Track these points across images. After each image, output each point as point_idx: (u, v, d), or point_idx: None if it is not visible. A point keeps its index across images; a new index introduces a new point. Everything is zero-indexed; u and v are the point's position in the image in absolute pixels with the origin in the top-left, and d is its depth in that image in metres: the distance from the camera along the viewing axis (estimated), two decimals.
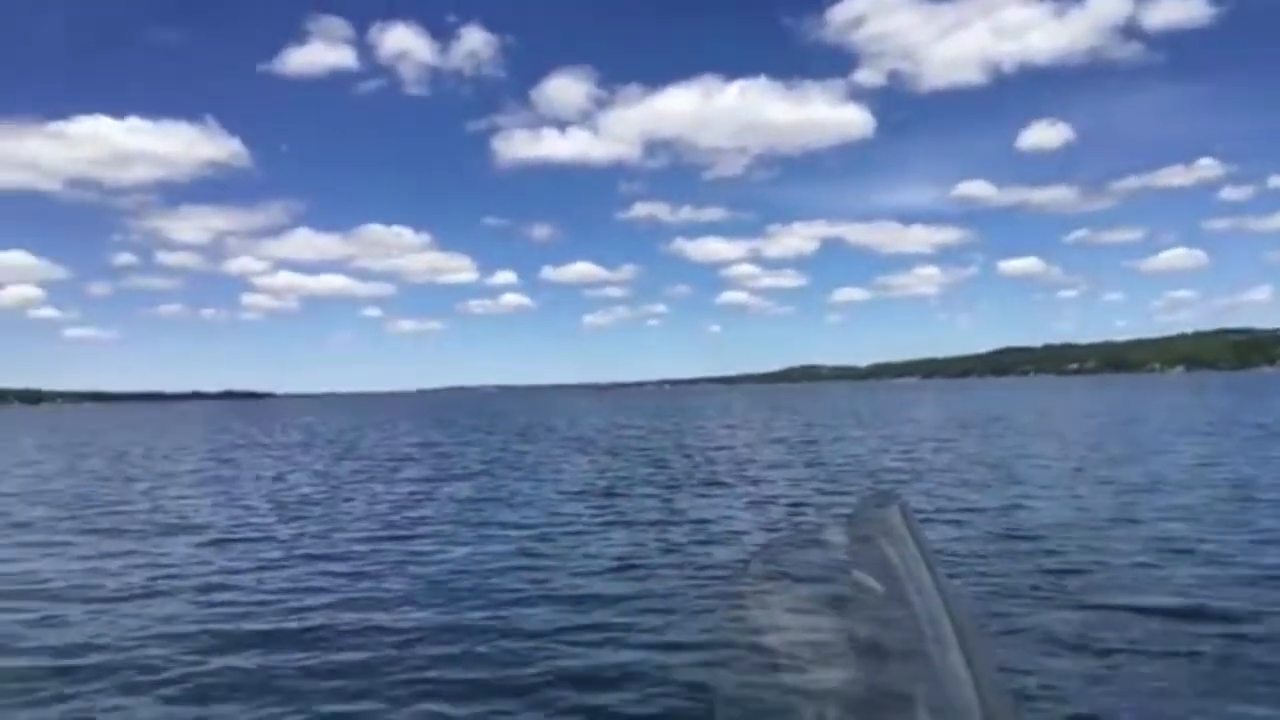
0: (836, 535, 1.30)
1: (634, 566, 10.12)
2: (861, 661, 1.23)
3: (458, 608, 8.48)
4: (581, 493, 17.32)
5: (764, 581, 1.27)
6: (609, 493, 17.17)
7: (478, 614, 8.19)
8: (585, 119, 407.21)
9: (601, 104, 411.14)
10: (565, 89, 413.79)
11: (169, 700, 6.17)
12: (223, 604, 8.96)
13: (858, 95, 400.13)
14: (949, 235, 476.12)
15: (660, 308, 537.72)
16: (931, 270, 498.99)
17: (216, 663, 6.93)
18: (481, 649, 7.08)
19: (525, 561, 10.63)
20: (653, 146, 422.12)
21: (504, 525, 13.57)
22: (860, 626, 1.25)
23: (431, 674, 6.52)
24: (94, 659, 7.11)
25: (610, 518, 14.00)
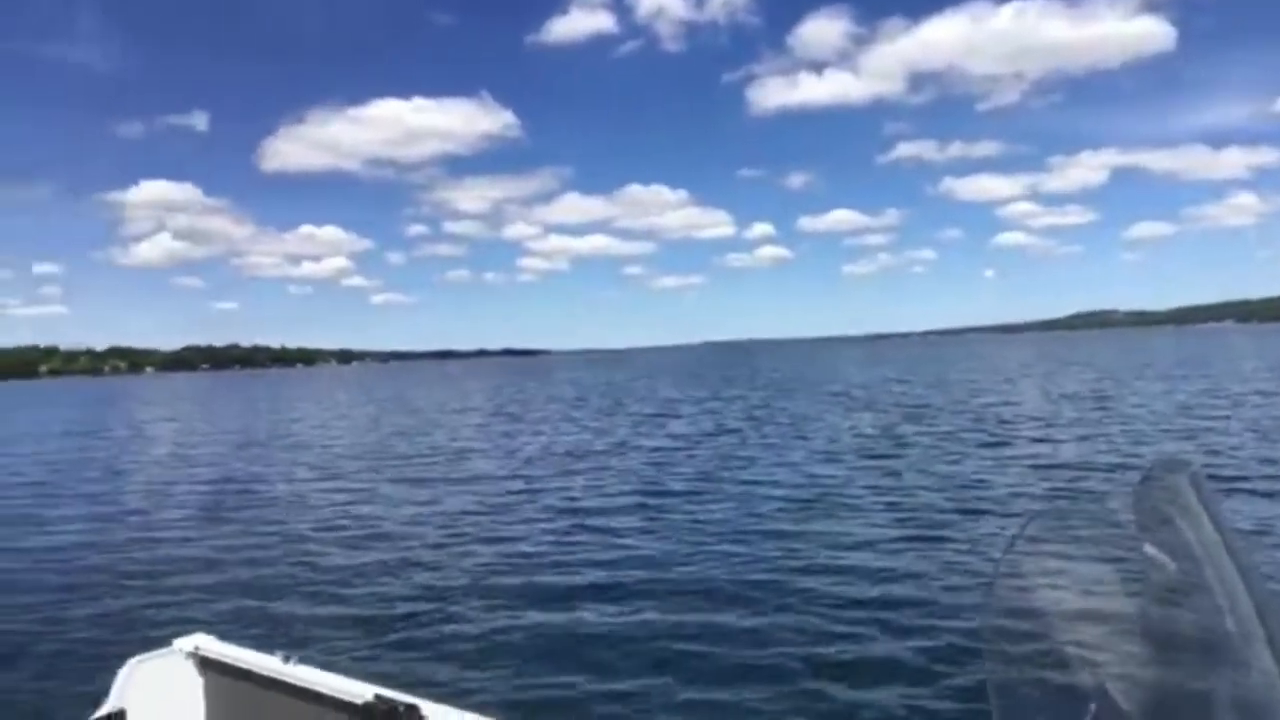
0: (1122, 504, 1.20)
1: (906, 537, 9.65)
2: (1153, 649, 1.14)
3: (718, 574, 8.41)
4: (847, 452, 16.95)
5: (1043, 553, 1.21)
6: (876, 453, 16.67)
7: (738, 583, 8.06)
8: (843, 59, 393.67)
9: (861, 41, 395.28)
10: (822, 30, 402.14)
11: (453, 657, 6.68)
12: (505, 557, 9.60)
13: (1154, 5, 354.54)
14: (1268, 157, 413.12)
15: (927, 253, 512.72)
16: (1247, 198, 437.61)
17: (478, 615, 7.43)
18: (746, 622, 6.96)
19: (790, 527, 10.45)
20: (918, 81, 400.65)
21: (767, 485, 13.51)
22: (1151, 608, 1.15)
23: (688, 648, 6.45)
24: (403, 609, 7.80)
25: (878, 480, 13.55)
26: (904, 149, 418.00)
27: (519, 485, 14.89)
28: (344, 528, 11.88)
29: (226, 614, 7.60)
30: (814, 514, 11.15)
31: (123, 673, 2.74)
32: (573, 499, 13.16)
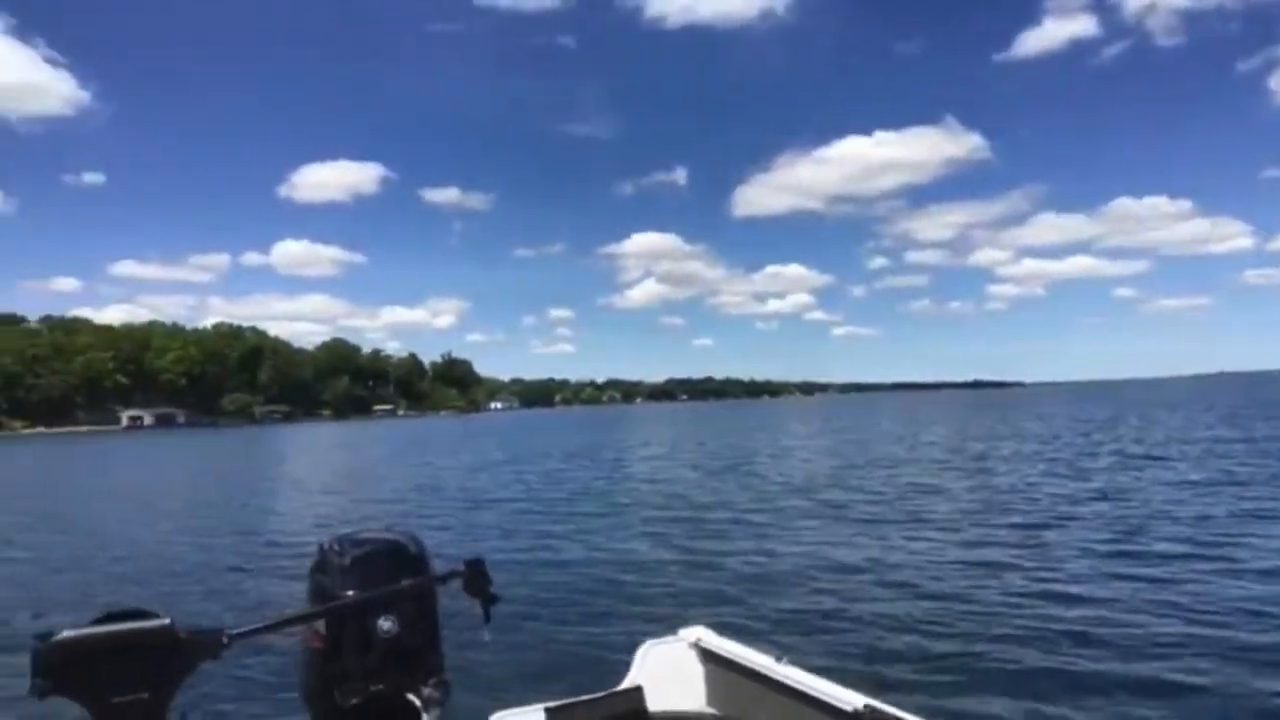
0: None
1: None
2: None
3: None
4: None
5: None
6: None
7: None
8: None
9: None
10: None
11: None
12: (1007, 594, 9.26)
13: None
14: None
15: None
16: None
17: (979, 645, 7.25)
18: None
19: None
20: None
21: None
22: None
23: None
24: (897, 627, 8.03)
25: None
26: None
27: (1018, 519, 14.14)
28: (824, 548, 12.37)
29: (724, 612, 8.47)
30: None
31: (639, 653, 3.05)
32: (1101, 539, 12.21)
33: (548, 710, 2.35)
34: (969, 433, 40.46)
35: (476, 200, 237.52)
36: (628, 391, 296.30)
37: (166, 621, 1.48)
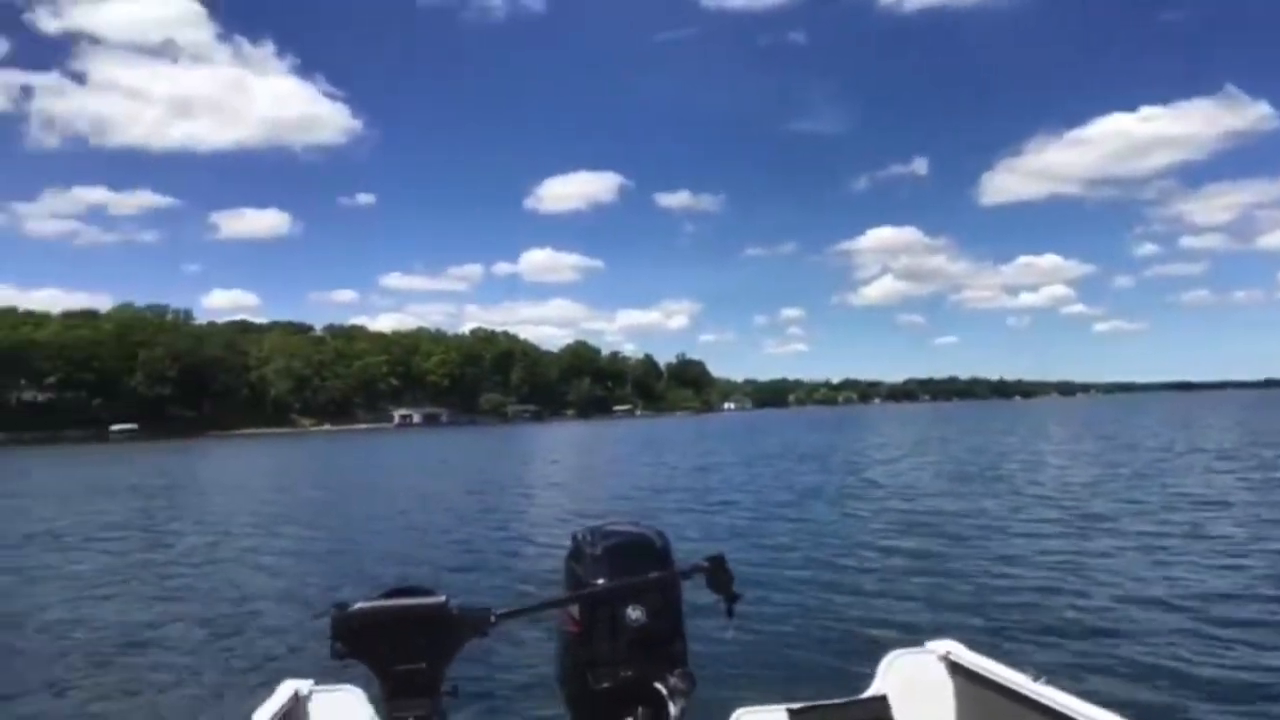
0: None
1: None
2: None
3: None
4: None
5: None
6: None
7: None
8: None
9: None
10: None
11: None
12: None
13: None
14: None
15: None
16: None
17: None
18: None
19: None
20: None
21: None
22: None
23: None
24: (1161, 645, 7.36)
25: None
26: None
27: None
28: (1084, 562, 11.51)
29: (973, 625, 8.13)
30: None
31: (884, 663, 2.97)
32: None
33: (790, 712, 2.34)
34: (1261, 438, 35.76)
35: (707, 202, 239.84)
36: (864, 392, 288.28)
37: (442, 599, 1.63)
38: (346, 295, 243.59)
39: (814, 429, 70.53)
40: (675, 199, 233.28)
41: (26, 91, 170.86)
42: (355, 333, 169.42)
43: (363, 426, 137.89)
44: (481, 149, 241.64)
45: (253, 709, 2.21)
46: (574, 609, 1.82)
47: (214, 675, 8.03)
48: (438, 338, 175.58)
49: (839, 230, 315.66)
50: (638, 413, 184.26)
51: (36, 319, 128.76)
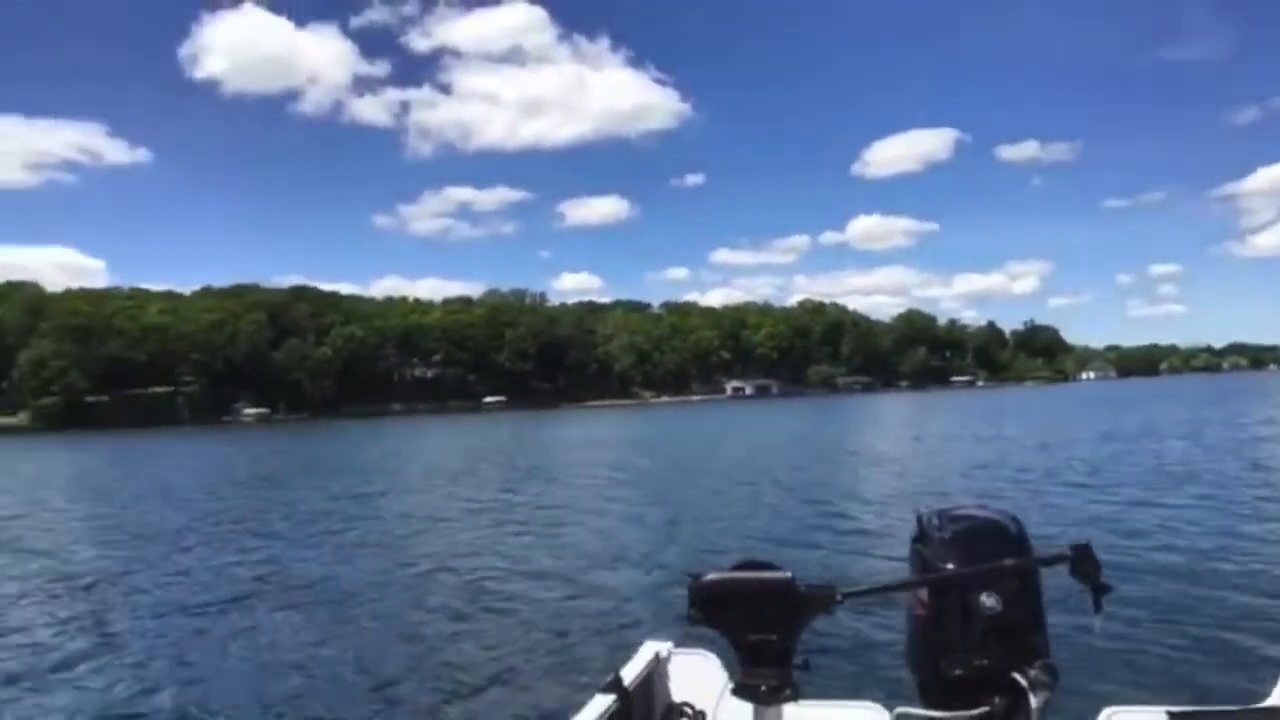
0: None
1: None
2: None
3: None
4: None
5: None
6: None
7: None
8: None
9: None
10: None
11: None
12: None
13: None
14: None
15: None
16: None
17: None
18: None
19: None
20: None
21: None
22: None
23: None
24: None
25: None
26: None
27: None
28: None
29: None
30: None
31: None
32: None
33: (1171, 715, 2.11)
34: None
35: (1058, 151, 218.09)
36: (1256, 357, 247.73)
37: (788, 575, 1.68)
38: (679, 273, 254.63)
39: (1195, 401, 62.01)
40: (1019, 150, 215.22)
41: (405, 106, 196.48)
42: (688, 309, 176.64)
43: (697, 398, 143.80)
44: (805, 119, 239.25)
45: (618, 665, 2.41)
46: (922, 593, 1.79)
47: (578, 632, 8.79)
48: (765, 310, 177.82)
49: (1220, 171, 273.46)
50: (979, 383, 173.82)
51: (423, 306, 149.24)
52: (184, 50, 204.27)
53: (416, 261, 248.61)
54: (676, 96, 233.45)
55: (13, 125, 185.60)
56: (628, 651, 2.55)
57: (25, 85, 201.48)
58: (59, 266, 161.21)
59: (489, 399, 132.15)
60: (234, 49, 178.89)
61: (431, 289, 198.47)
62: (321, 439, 60.17)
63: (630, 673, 2.36)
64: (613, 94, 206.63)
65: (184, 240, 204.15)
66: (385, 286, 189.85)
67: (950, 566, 1.75)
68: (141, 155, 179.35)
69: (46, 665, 8.39)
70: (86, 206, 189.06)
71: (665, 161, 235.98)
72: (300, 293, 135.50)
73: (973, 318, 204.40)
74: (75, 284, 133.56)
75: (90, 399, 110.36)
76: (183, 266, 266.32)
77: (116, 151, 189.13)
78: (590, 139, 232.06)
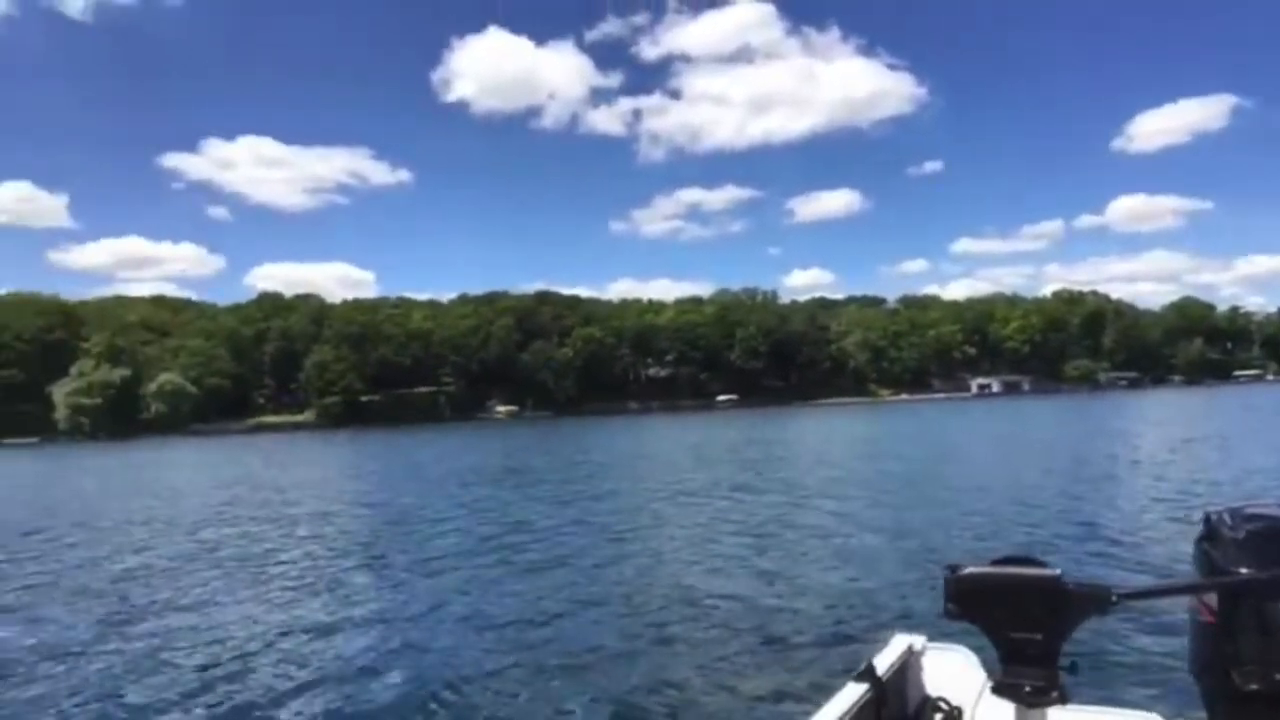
0: None
1: None
2: None
3: None
4: None
5: None
6: None
7: None
8: None
9: None
10: None
11: None
12: None
13: None
14: None
15: None
16: None
17: None
18: None
19: None
20: None
21: None
22: None
23: None
24: None
25: None
26: None
27: None
28: None
29: None
30: None
31: None
32: None
33: None
34: None
35: None
36: None
37: (1056, 573, 1.61)
38: (916, 265, 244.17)
39: None
40: None
41: (637, 115, 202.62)
42: (927, 302, 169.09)
43: (939, 396, 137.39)
44: (1056, 95, 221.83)
45: (869, 655, 2.40)
46: (1209, 598, 1.65)
47: (823, 622, 8.74)
48: (1015, 302, 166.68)
49: None
50: (1269, 376, 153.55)
51: (656, 307, 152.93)
52: (436, 75, 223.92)
53: (648, 263, 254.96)
54: (912, 81, 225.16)
55: (294, 154, 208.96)
56: (876, 643, 2.54)
57: (303, 117, 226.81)
58: (336, 280, 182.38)
59: (721, 397, 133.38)
60: (480, 72, 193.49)
61: (662, 290, 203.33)
62: (563, 434, 63.39)
63: (883, 663, 2.35)
64: (844, 84, 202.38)
65: (442, 251, 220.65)
66: (620, 289, 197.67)
67: (1243, 570, 1.61)
68: (403, 175, 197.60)
69: (360, 609, 9.51)
70: (357, 225, 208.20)
71: (901, 150, 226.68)
72: (544, 297, 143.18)
73: (1259, 305, 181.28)
74: (350, 295, 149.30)
75: (364, 398, 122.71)
76: (441, 276, 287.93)
77: (381, 173, 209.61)
78: (821, 132, 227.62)
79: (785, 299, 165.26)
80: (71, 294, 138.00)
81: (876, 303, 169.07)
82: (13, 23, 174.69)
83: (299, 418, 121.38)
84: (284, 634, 9.36)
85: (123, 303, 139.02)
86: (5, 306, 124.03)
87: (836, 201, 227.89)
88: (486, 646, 8.57)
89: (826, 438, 45.81)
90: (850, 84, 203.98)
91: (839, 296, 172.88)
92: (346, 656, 8.44)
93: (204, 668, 8.20)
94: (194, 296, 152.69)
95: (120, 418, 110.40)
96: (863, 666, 2.28)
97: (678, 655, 7.94)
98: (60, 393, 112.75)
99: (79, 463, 54.28)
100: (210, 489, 29.82)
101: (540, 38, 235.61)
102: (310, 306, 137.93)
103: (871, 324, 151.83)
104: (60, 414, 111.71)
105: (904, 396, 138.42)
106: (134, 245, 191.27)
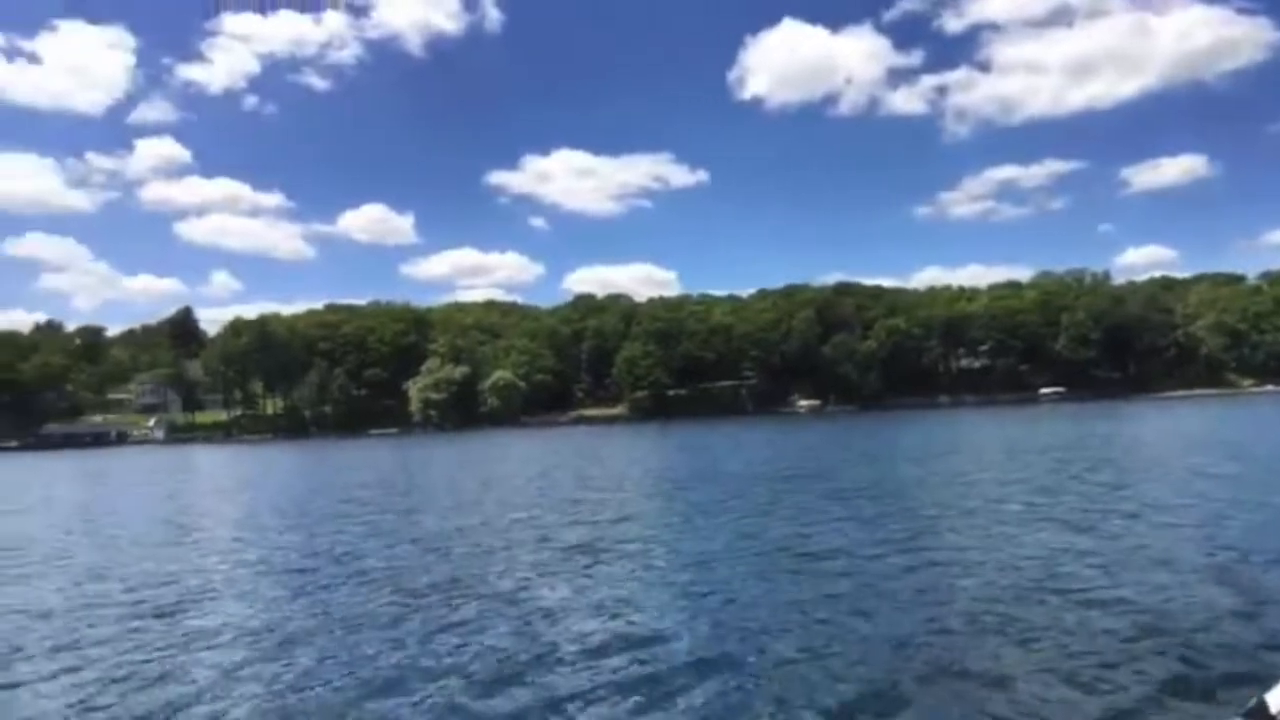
0: None
1: None
2: None
3: None
4: None
5: None
6: None
7: None
8: None
9: None
10: None
11: None
12: None
13: None
14: None
15: None
16: None
17: None
18: None
19: None
20: None
21: None
22: None
23: None
24: None
25: None
26: None
27: None
28: None
29: None
30: None
31: None
32: None
33: None
34: None
35: None
36: None
37: None
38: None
39: None
40: None
41: (941, 91, 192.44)
42: None
43: None
44: None
45: (1259, 690, 1.93)
46: None
47: (1194, 645, 7.71)
48: None
49: None
50: None
51: (968, 294, 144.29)
52: (732, 75, 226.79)
53: (956, 249, 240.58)
54: (1269, 25, 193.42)
55: (602, 163, 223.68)
56: (1269, 679, 2.04)
57: (610, 128, 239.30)
58: (642, 280, 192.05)
59: (1045, 390, 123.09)
60: (775, 65, 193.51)
61: (973, 276, 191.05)
62: (868, 427, 61.73)
63: (1277, 701, 1.88)
64: (1183, 36, 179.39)
65: (740, 248, 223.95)
66: (925, 278, 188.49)
67: None
68: (701, 176, 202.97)
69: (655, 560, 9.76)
70: (660, 226, 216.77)
71: (1254, 105, 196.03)
72: (844, 289, 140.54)
73: None
74: (655, 294, 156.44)
75: (671, 392, 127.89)
76: (740, 272, 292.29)
77: (681, 176, 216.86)
78: (1155, 92, 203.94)
79: (1120, 280, 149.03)
80: (419, 302, 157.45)
81: (1233, 280, 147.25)
82: (365, 66, 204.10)
83: (614, 410, 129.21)
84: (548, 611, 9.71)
85: (461, 308, 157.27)
86: (370, 315, 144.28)
87: (1177, 168, 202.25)
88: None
89: (1179, 435, 40.59)
90: (1189, 35, 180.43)
91: (1185, 275, 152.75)
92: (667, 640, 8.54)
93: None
94: (519, 300, 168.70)
95: (462, 410, 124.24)
96: (1252, 703, 1.94)
97: (1006, 666, 7.30)
98: (414, 389, 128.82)
99: (433, 451, 61.44)
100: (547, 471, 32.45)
101: (835, 24, 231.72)
102: (620, 306, 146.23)
103: (1228, 304, 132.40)
104: (414, 407, 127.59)
105: (1270, 387, 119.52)
106: (468, 256, 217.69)
